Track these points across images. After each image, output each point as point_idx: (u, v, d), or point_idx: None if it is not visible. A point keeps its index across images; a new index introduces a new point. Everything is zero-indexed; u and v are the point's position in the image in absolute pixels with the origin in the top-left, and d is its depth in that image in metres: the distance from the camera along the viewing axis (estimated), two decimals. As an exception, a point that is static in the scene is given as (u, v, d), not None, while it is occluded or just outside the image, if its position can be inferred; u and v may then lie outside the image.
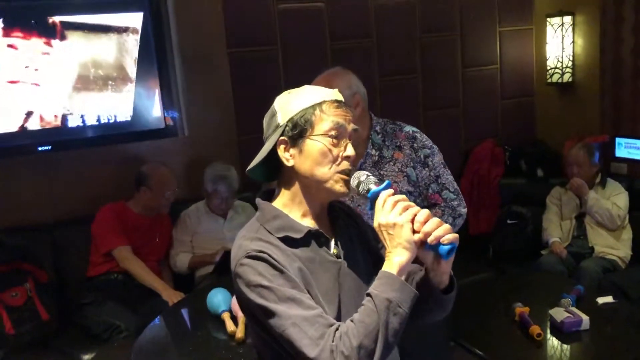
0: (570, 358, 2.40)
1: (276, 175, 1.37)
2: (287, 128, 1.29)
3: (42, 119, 3.25)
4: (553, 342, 2.40)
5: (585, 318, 2.38)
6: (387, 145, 2.16)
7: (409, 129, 2.20)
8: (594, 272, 3.39)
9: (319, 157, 1.28)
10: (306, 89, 1.35)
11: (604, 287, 3.25)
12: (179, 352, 2.37)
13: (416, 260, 1.24)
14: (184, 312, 2.77)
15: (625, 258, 3.57)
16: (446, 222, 2.14)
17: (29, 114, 3.21)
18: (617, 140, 4.03)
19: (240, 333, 2.24)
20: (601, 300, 2.66)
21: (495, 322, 2.66)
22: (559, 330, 2.39)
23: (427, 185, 2.16)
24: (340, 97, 1.34)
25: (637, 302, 3.16)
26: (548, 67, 4.49)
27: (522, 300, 2.58)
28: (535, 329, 2.35)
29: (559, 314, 2.43)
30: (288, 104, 1.31)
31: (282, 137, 1.30)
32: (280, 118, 1.31)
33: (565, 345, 2.40)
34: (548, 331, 2.43)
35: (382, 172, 2.12)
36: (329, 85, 2.02)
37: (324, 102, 1.30)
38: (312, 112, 1.29)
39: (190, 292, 3.17)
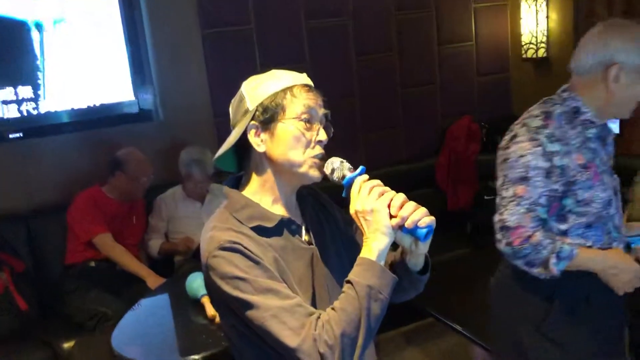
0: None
1: (246, 164, 1.33)
2: (257, 112, 1.26)
3: (13, 106, 3.19)
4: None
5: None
6: None
7: None
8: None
9: (292, 141, 1.25)
10: (275, 74, 1.30)
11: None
12: (160, 337, 2.37)
13: (394, 244, 1.23)
14: (164, 297, 2.77)
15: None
16: None
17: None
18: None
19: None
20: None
21: (474, 297, 2.70)
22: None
23: None
24: (309, 82, 1.31)
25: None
26: (523, 43, 4.50)
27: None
28: (512, 303, 2.38)
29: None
30: (256, 89, 1.28)
31: (252, 122, 1.26)
32: (249, 103, 1.27)
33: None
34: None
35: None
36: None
37: (294, 85, 1.27)
38: (282, 96, 1.25)
39: (170, 276, 3.16)
